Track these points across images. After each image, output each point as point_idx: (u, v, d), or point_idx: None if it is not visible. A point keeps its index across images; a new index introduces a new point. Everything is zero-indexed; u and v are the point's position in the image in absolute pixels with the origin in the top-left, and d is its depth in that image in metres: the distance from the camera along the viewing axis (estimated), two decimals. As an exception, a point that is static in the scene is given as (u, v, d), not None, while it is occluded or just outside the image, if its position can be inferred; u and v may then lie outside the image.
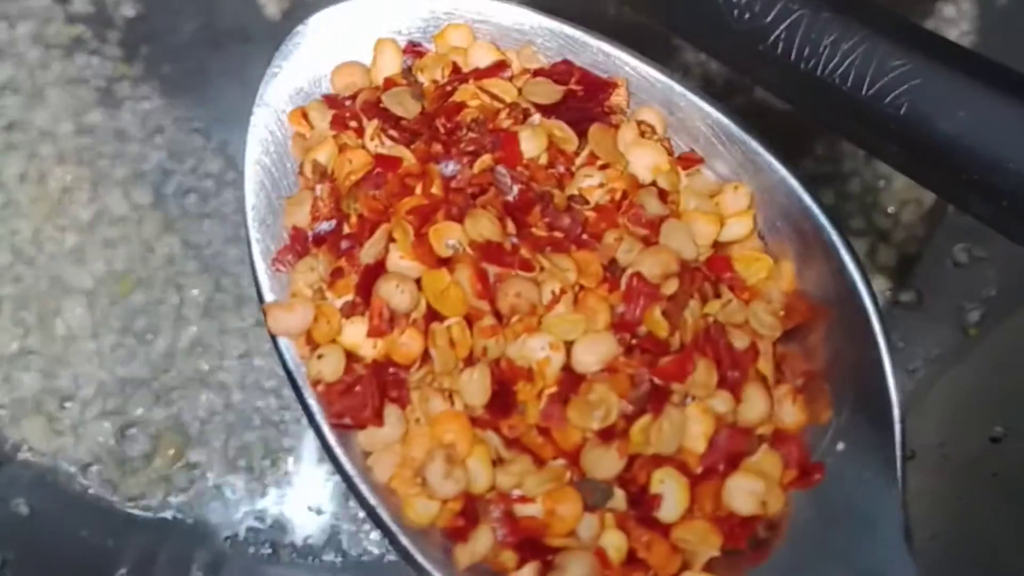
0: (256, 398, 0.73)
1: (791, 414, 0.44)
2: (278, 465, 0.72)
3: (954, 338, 0.73)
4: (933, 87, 0.42)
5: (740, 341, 0.44)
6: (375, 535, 0.72)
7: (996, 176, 0.40)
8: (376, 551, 0.72)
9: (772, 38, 0.46)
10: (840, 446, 0.43)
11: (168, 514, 0.71)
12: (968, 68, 0.42)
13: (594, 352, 0.43)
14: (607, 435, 0.43)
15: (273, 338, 0.46)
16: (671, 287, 0.44)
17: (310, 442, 0.73)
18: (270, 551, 0.72)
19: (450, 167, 0.46)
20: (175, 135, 0.77)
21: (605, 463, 0.43)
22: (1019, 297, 0.70)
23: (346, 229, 0.47)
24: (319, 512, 0.72)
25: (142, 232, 0.74)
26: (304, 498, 0.72)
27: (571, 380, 0.43)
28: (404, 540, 0.43)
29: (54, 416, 0.71)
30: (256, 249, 0.48)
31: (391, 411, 0.44)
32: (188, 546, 0.71)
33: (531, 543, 0.43)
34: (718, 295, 0.45)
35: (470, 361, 0.44)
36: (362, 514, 0.70)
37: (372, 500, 0.44)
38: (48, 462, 0.71)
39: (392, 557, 0.72)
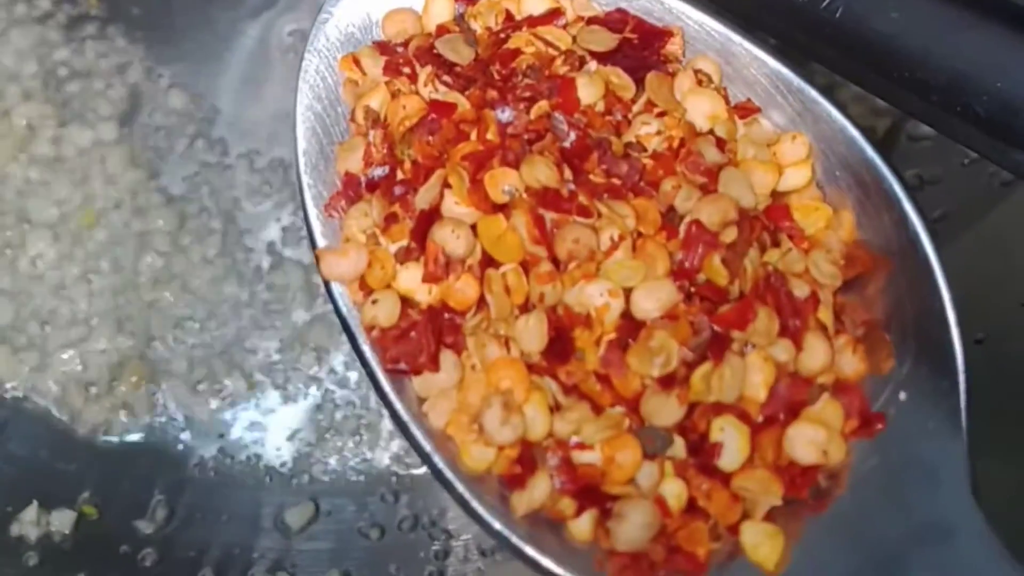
0: (221, 326, 0.73)
1: (851, 363, 0.44)
2: (243, 392, 0.72)
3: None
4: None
5: (800, 290, 0.44)
6: (339, 458, 0.72)
7: (927, 72, 0.41)
8: (339, 468, 0.72)
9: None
10: (902, 396, 0.43)
11: (130, 439, 0.71)
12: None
13: (654, 298, 0.43)
14: (667, 382, 0.42)
15: (326, 283, 0.46)
16: (730, 235, 0.44)
17: (275, 370, 0.73)
18: (234, 475, 0.71)
19: (506, 113, 0.45)
20: (140, 73, 0.76)
21: (665, 410, 0.42)
22: (965, 220, 0.69)
23: (400, 175, 0.46)
24: (285, 437, 0.72)
25: (106, 167, 0.73)
26: (270, 424, 0.72)
27: (630, 327, 0.43)
28: (460, 487, 0.43)
29: (18, 347, 0.71)
30: (308, 195, 0.47)
31: (447, 357, 0.44)
32: (150, 471, 0.71)
33: (589, 491, 0.42)
34: (777, 244, 0.45)
35: (526, 308, 0.43)
36: (327, 436, 0.72)
37: (427, 446, 0.43)
38: (11, 391, 0.71)
39: (358, 478, 0.72)
